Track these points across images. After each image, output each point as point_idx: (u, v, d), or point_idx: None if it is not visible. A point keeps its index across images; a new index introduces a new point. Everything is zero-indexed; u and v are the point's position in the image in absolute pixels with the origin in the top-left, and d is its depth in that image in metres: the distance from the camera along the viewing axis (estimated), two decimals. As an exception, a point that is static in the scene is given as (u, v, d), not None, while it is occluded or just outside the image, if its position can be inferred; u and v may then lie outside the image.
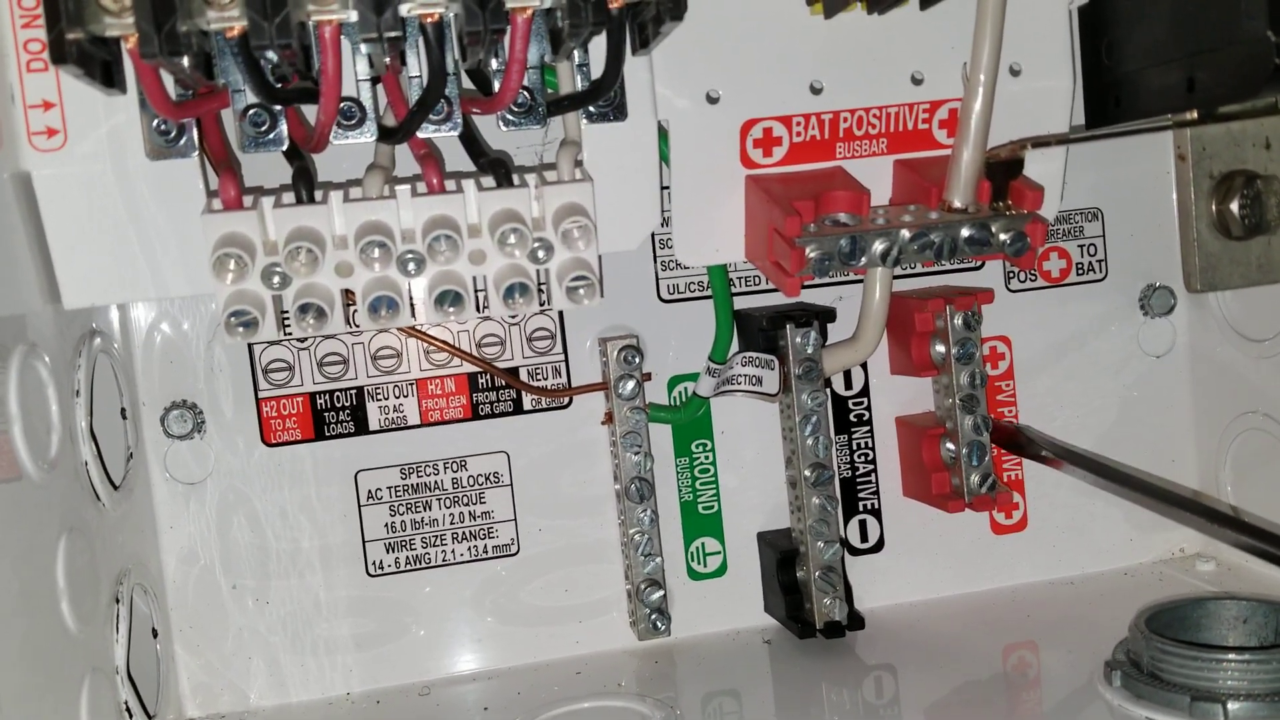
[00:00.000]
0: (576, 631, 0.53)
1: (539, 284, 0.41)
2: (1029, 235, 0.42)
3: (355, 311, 0.41)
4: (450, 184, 0.41)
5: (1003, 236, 0.42)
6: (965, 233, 0.42)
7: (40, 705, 0.35)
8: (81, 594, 0.39)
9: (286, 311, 0.40)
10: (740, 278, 0.53)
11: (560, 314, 0.52)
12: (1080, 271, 0.56)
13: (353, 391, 0.51)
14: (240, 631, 0.50)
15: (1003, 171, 0.42)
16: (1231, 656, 0.40)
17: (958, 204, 0.42)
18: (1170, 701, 0.41)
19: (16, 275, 0.38)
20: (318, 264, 0.39)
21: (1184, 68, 0.40)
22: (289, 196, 0.40)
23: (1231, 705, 0.40)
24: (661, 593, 0.50)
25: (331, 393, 0.51)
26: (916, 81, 0.45)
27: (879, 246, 0.41)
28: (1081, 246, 0.56)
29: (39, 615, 0.36)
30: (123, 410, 0.46)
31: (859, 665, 0.50)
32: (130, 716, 0.42)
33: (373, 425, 0.51)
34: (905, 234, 0.41)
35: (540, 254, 0.40)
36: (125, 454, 0.46)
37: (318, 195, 0.40)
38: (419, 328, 0.50)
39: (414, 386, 0.51)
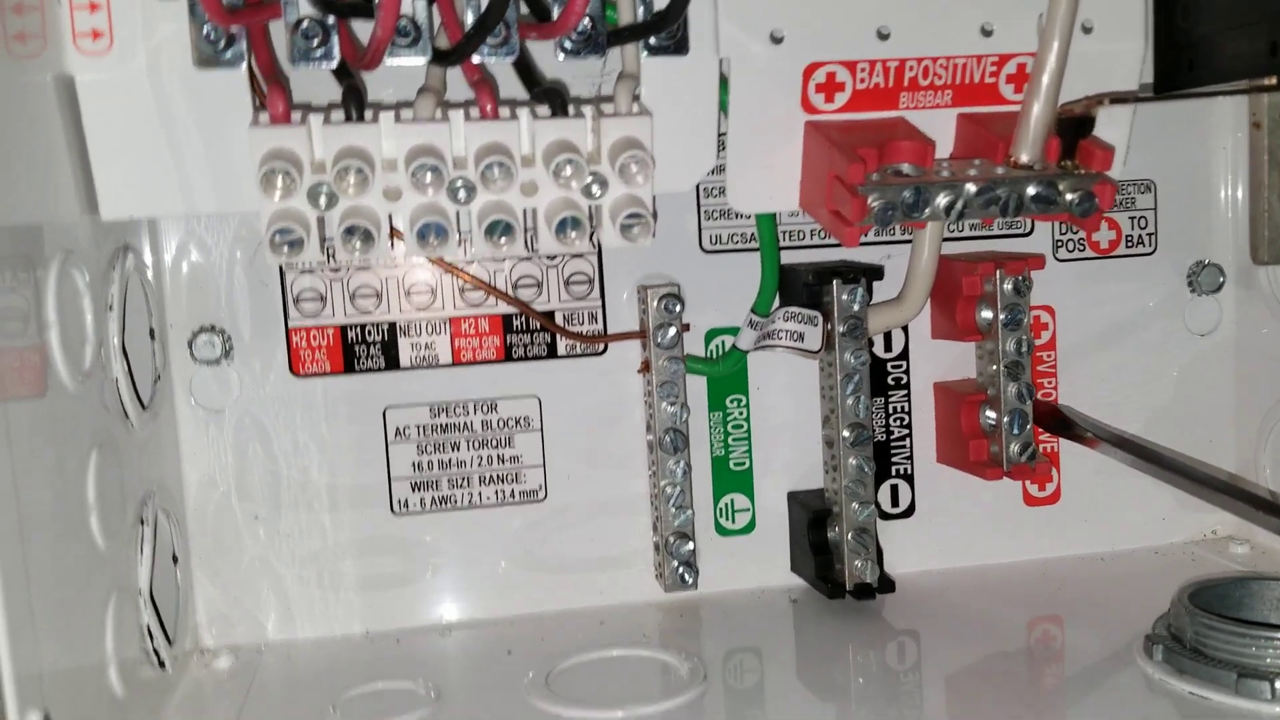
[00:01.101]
0: (601, 581, 0.52)
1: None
2: (1097, 196, 0.40)
3: (395, 243, 0.40)
4: (504, 111, 0.40)
5: (1070, 196, 0.40)
6: (1032, 190, 0.40)
7: (69, 620, 0.34)
8: (109, 511, 0.38)
9: (328, 239, 0.39)
10: (783, 232, 0.51)
11: (599, 259, 0.51)
12: (1129, 244, 0.55)
13: (385, 326, 0.50)
14: (260, 564, 0.49)
15: (1072, 129, 0.41)
16: (1281, 635, 0.40)
17: (1025, 160, 0.41)
18: (1215, 678, 0.40)
19: (57, 183, 0.37)
20: (367, 184, 0.38)
21: (1268, 32, 0.39)
22: (337, 115, 0.39)
23: None
24: (691, 546, 0.49)
25: (363, 326, 0.49)
26: (986, 33, 0.43)
27: (943, 199, 0.40)
28: (1132, 218, 0.55)
29: (70, 528, 0.35)
30: (151, 330, 0.45)
31: (884, 629, 0.49)
32: (151, 640, 0.41)
33: (403, 362, 0.50)
34: (971, 188, 0.40)
35: (594, 189, 0.39)
36: (153, 375, 0.45)
37: (368, 115, 0.39)
38: (455, 264, 0.49)
39: (447, 324, 0.50)
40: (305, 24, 0.38)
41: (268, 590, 0.49)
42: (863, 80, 0.43)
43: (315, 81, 0.42)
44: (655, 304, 0.49)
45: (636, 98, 0.41)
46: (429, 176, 0.38)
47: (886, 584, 0.50)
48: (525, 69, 0.42)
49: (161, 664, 0.42)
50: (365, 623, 0.50)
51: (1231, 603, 0.44)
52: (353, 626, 0.50)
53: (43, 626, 0.31)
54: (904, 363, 0.54)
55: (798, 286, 0.49)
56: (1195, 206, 0.55)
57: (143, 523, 0.42)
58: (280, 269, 0.48)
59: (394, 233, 0.40)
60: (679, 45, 0.41)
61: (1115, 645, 0.45)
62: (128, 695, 0.38)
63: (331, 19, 0.38)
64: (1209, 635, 0.41)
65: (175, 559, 0.46)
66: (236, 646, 0.49)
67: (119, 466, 0.40)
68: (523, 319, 0.50)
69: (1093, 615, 0.49)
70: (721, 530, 0.53)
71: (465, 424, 0.51)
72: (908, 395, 0.54)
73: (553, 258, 0.50)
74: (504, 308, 0.50)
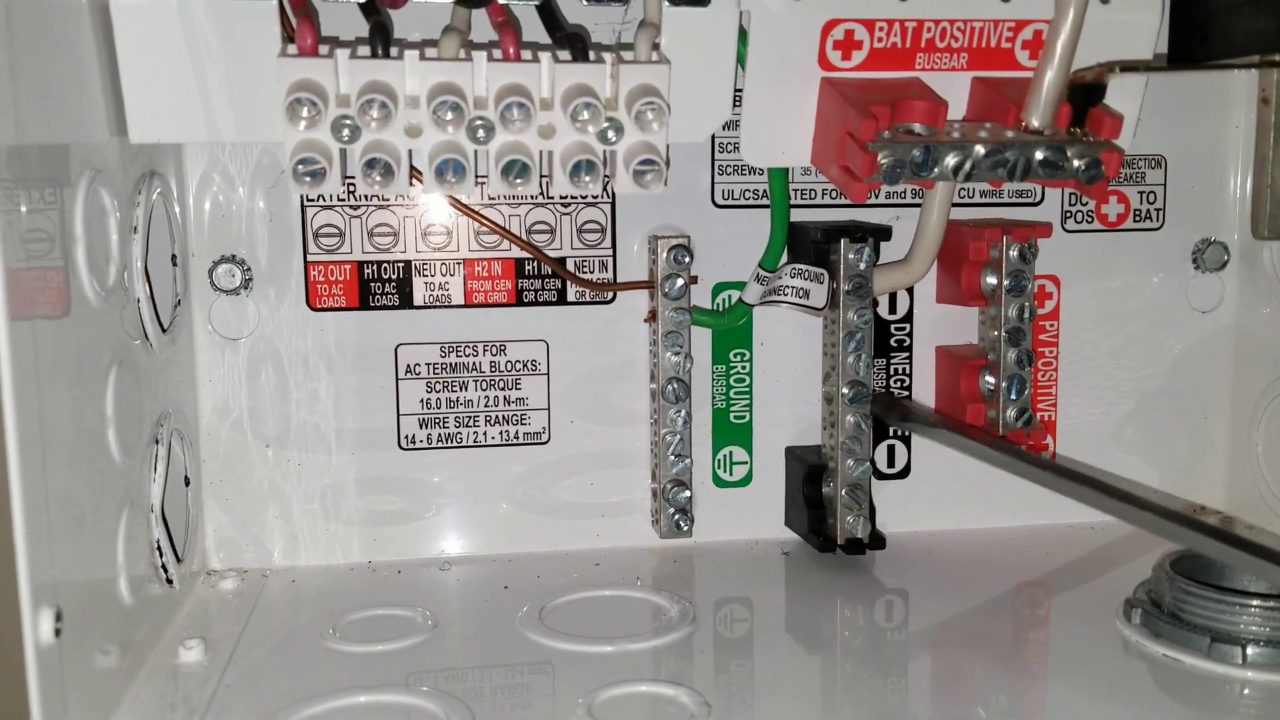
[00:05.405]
0: (599, 526, 0.53)
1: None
2: (1104, 163, 0.41)
3: (414, 183, 0.41)
4: (526, 54, 0.40)
5: (1077, 162, 0.41)
6: (1040, 154, 0.41)
7: (83, 527, 0.35)
8: (126, 427, 0.39)
9: (350, 178, 0.40)
10: (794, 190, 0.52)
11: (612, 209, 0.52)
12: (1137, 218, 0.55)
13: (400, 265, 0.51)
14: (268, 492, 0.50)
15: (1083, 96, 0.42)
16: (1256, 602, 0.41)
17: (1035, 124, 0.41)
18: (1189, 642, 0.41)
19: (88, 103, 0.38)
20: (390, 119, 0.38)
21: (1280, 9, 0.40)
22: (363, 50, 0.40)
23: (1251, 649, 0.40)
24: (688, 494, 0.51)
25: (379, 263, 0.50)
26: (1004, -1, 0.44)
27: (952, 160, 0.41)
28: (1141, 193, 0.55)
29: (87, 437, 0.36)
30: (173, 257, 0.46)
31: (873, 586, 0.50)
32: (161, 556, 0.43)
33: (417, 301, 0.51)
34: (980, 149, 0.41)
35: (610, 134, 0.40)
36: (173, 300, 0.46)
37: (393, 52, 0.40)
38: (473, 207, 0.50)
39: (461, 266, 0.51)
40: (335, -41, 0.39)
41: (275, 518, 0.51)
42: (880, 39, 0.43)
43: (343, 17, 0.43)
44: (665, 254, 0.50)
45: (656, 46, 0.42)
46: (449, 114, 0.39)
47: (877, 540, 0.51)
48: (549, 14, 0.42)
49: (169, 580, 0.43)
50: (369, 554, 0.51)
51: (1213, 572, 0.45)
52: (357, 557, 0.51)
53: (58, 531, 0.33)
54: (907, 325, 0.54)
55: (806, 244, 0.50)
56: (1205, 184, 0.55)
57: (157, 442, 0.43)
58: (302, 205, 0.49)
59: (414, 173, 0.41)
60: (700, -3, 0.42)
61: (1096, 609, 0.46)
62: (136, 606, 0.40)
63: (361, -45, 0.39)
64: (1186, 600, 0.42)
65: (187, 481, 0.48)
66: (242, 570, 0.50)
67: (137, 386, 0.41)
68: (535, 264, 0.51)
69: (1078, 581, 0.50)
70: (719, 482, 0.54)
71: (474, 364, 0.52)
72: (910, 357, 0.55)
73: (567, 206, 0.51)
74: (517, 252, 0.51)
